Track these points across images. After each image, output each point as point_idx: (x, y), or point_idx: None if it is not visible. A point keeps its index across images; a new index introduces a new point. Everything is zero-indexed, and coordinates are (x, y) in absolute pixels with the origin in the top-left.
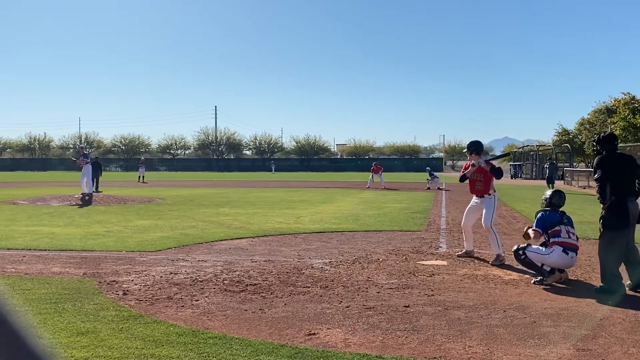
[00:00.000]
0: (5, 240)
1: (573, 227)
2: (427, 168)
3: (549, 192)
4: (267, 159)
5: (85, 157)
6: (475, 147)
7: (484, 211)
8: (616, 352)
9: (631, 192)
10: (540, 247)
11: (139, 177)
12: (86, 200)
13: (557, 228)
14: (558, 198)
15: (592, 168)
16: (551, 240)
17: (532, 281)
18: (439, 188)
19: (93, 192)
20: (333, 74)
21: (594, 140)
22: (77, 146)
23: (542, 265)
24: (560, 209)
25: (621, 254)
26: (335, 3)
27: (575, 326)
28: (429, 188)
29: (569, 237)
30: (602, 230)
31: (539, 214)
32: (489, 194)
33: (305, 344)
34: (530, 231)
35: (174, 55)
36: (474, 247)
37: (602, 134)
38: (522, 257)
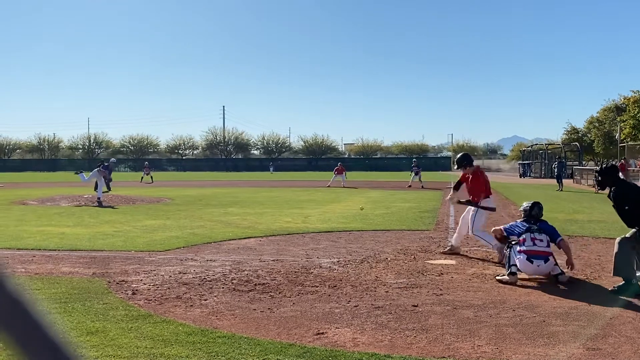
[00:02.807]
0: (15, 240)
1: (546, 232)
2: (414, 160)
3: (527, 204)
4: (275, 158)
5: (105, 169)
6: (468, 161)
7: (470, 218)
8: (626, 351)
9: None
10: (519, 252)
11: (142, 177)
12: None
13: (522, 237)
14: (538, 210)
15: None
16: (518, 248)
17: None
18: (422, 187)
19: (104, 192)
20: (341, 73)
21: (597, 171)
22: (110, 160)
23: (513, 264)
24: (539, 217)
25: None
26: (341, 2)
27: (585, 325)
28: (410, 186)
29: (534, 244)
30: None
31: (510, 224)
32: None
33: (313, 344)
34: (496, 228)
35: (181, 55)
36: (461, 244)
37: (604, 166)
38: (506, 249)
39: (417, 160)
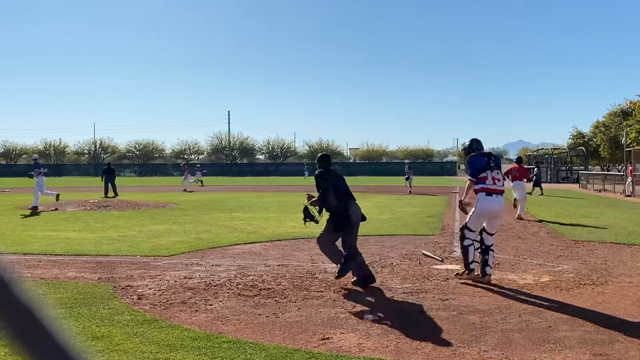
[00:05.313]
0: (22, 245)
1: (500, 169)
2: (406, 161)
3: (467, 142)
4: (280, 163)
5: (38, 167)
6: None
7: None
8: (634, 357)
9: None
10: (479, 190)
11: (199, 180)
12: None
13: (483, 175)
14: (477, 143)
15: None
16: (477, 186)
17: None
18: (410, 192)
19: (108, 197)
20: (346, 77)
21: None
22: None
23: (471, 262)
24: (493, 156)
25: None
26: (346, 7)
27: (592, 331)
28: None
29: (494, 183)
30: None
31: (469, 160)
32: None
33: (319, 349)
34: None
35: (187, 60)
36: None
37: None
38: (464, 240)
39: (408, 162)
